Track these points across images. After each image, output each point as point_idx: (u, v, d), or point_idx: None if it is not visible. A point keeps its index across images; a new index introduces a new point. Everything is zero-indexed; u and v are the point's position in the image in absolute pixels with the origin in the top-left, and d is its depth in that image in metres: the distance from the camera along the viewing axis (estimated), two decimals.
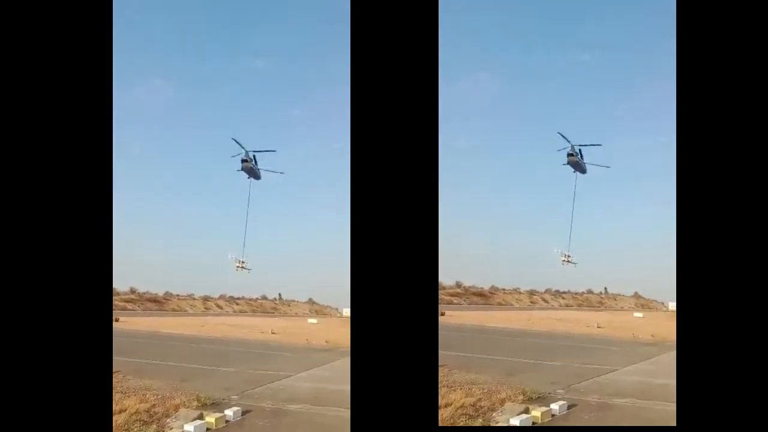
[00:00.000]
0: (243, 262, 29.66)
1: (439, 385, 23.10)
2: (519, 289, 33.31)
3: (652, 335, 29.47)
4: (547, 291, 33.43)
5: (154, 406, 23.34)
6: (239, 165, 29.72)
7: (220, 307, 33.27)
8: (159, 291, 32.67)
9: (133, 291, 32.29)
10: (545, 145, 29.89)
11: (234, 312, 32.97)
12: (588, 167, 29.53)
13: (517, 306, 33.14)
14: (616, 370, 25.76)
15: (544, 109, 30.67)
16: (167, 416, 22.82)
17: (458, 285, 31.87)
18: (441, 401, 22.81)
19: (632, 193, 30.14)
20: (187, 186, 31.59)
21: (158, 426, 22.38)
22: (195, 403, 23.37)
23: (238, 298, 33.13)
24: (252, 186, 30.27)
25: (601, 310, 32.84)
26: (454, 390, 23.77)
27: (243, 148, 29.32)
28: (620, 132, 30.57)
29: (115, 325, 27.09)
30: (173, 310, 32.94)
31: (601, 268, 30.34)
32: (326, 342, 29.15)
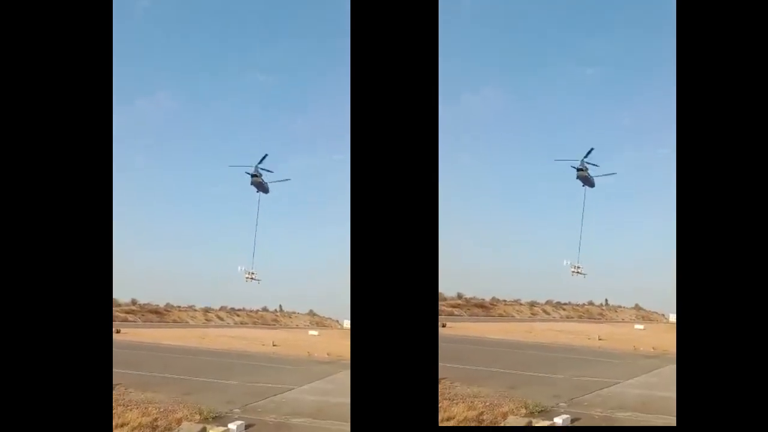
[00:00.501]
0: (252, 273, 29.99)
1: (441, 398, 23.11)
2: (520, 300, 33.31)
3: (654, 347, 29.47)
4: (548, 302, 33.42)
5: (156, 419, 23.28)
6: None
7: (221, 319, 33.24)
8: (160, 302, 32.67)
9: (134, 302, 32.26)
10: (547, 159, 30.01)
11: (235, 323, 32.95)
12: (596, 179, 29.88)
13: (518, 317, 33.11)
14: (619, 382, 25.72)
15: (547, 124, 30.82)
16: (170, 430, 22.76)
17: (459, 296, 31.88)
18: (443, 414, 22.79)
19: (633, 205, 30.23)
20: (188, 198, 31.67)
21: None
22: (197, 417, 23.31)
23: (239, 310, 33.11)
24: (253, 197, 30.48)
25: (601, 322, 32.82)
26: (456, 403, 23.73)
27: (252, 166, 29.84)
28: (622, 145, 30.77)
29: (116, 336, 27.21)
30: (174, 321, 32.91)
31: (602, 279, 30.38)
32: (328, 354, 29.10)
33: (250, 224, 30.13)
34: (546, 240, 30.78)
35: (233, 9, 31.19)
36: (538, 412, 23.24)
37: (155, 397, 24.60)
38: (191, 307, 33.32)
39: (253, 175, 29.75)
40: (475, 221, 29.57)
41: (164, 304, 32.72)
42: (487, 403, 23.87)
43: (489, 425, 22.77)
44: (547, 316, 33.30)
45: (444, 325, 28.58)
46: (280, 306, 32.62)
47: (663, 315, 31.88)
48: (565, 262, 29.45)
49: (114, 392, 22.26)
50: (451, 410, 23.27)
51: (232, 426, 22.22)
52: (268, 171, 29.82)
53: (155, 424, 23.05)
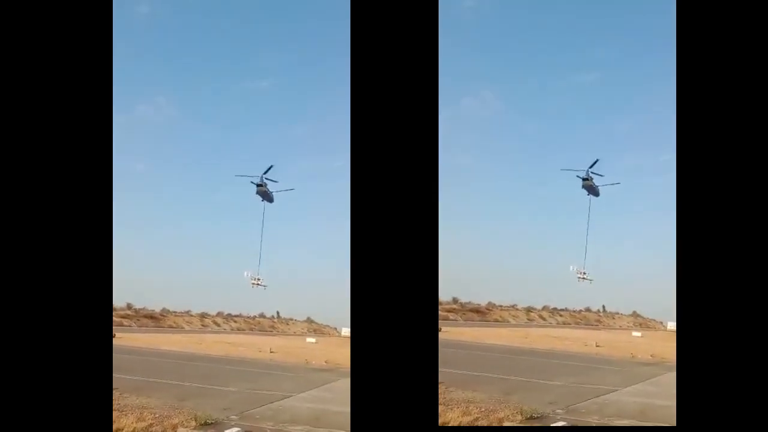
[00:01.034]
0: (258, 279, 30.38)
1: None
2: (516, 305, 33.27)
3: (652, 355, 29.47)
4: (545, 308, 33.40)
5: (151, 425, 23.20)
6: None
7: (218, 325, 33.16)
8: (156, 307, 32.59)
9: (129, 306, 32.17)
10: (545, 165, 30.12)
11: (232, 329, 32.89)
12: (601, 188, 30.38)
13: (514, 323, 33.07)
14: (616, 390, 25.70)
15: (544, 128, 30.89)
16: None
17: (455, 300, 31.86)
18: (438, 419, 22.74)
19: (632, 212, 30.35)
20: (187, 203, 31.71)
21: None
22: (193, 423, 23.22)
23: (236, 316, 33.07)
24: (253, 203, 30.73)
25: (599, 329, 32.83)
26: (452, 408, 23.69)
27: (258, 176, 30.27)
28: (621, 151, 30.88)
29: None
30: (170, 326, 32.84)
31: (600, 286, 30.47)
32: (325, 362, 29.05)
33: (248, 230, 30.44)
34: (544, 245, 30.85)
35: (233, 15, 31.22)
36: (535, 419, 23.23)
37: (150, 403, 24.50)
38: (187, 312, 33.28)
39: (258, 185, 30.24)
40: (471, 225, 29.59)
41: (160, 309, 32.67)
42: (483, 409, 23.85)
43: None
44: (543, 322, 33.28)
45: (439, 330, 28.53)
46: (278, 312, 32.60)
47: (661, 322, 31.88)
48: (571, 268, 29.80)
49: None
50: (446, 415, 23.23)
51: None
52: (273, 181, 30.27)
53: (151, 429, 22.98)
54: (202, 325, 33.19)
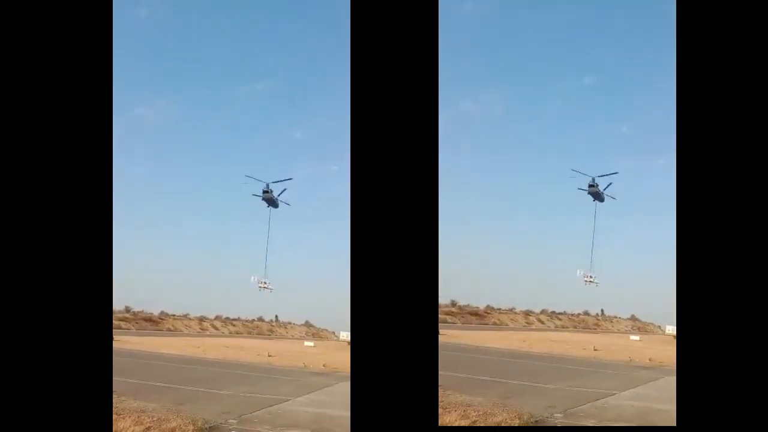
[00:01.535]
0: (265, 283, 31.03)
1: None
2: (515, 309, 33.32)
3: (650, 359, 29.46)
4: (543, 312, 33.44)
5: (149, 428, 23.17)
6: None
7: (216, 328, 33.24)
8: (154, 310, 32.64)
9: (128, 310, 32.20)
10: (543, 167, 30.22)
11: (230, 333, 32.98)
12: (604, 196, 31.29)
13: (513, 326, 33.11)
14: (614, 394, 25.66)
15: (544, 131, 30.98)
16: None
17: (453, 304, 31.90)
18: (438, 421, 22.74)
19: (630, 216, 30.48)
20: (185, 205, 31.79)
21: None
22: (191, 427, 23.18)
23: (235, 320, 33.15)
24: (250, 208, 31.40)
25: (597, 332, 32.87)
26: (449, 412, 23.67)
27: (265, 182, 31.21)
28: (620, 154, 31.04)
29: None
30: (168, 330, 32.87)
31: (598, 289, 30.59)
32: (323, 366, 29.08)
33: (247, 233, 30.75)
34: (542, 248, 30.91)
35: (232, 18, 31.29)
36: (533, 423, 23.22)
37: (148, 406, 24.48)
38: (186, 316, 33.34)
39: (264, 192, 31.17)
40: (469, 228, 29.61)
41: (159, 312, 32.71)
42: (481, 412, 23.83)
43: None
44: (542, 325, 33.32)
45: None
46: (276, 316, 32.71)
47: (659, 326, 31.93)
48: (578, 273, 30.26)
49: None
50: (444, 418, 23.20)
51: None
52: (284, 182, 30.93)
53: None
54: (201, 329, 33.26)
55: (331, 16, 28.21)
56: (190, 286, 30.52)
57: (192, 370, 29.45)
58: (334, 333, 31.63)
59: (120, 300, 30.93)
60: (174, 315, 33.04)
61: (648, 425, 22.50)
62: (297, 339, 32.25)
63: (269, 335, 32.47)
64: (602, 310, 33.26)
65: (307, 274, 29.35)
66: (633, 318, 33.07)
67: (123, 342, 30.35)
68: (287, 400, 25.64)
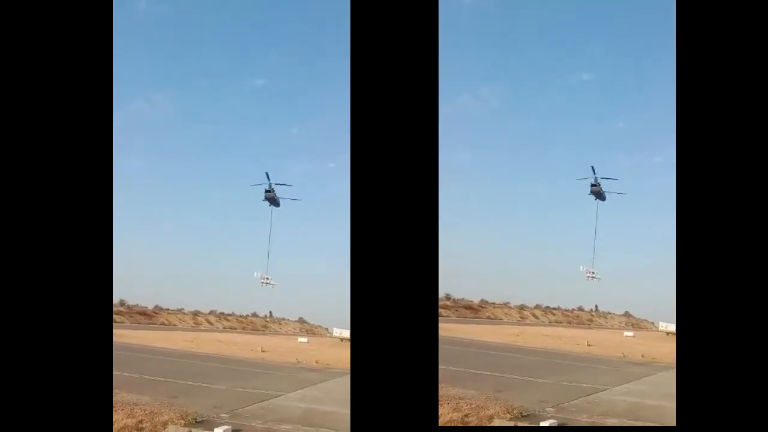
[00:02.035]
0: (267, 279, 31.35)
1: None
2: (509, 303, 33.32)
3: (643, 355, 29.43)
4: (538, 306, 33.43)
5: (141, 421, 23.23)
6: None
7: (210, 323, 33.27)
8: (148, 304, 32.63)
9: (122, 303, 32.18)
10: (541, 163, 30.28)
11: (224, 328, 33.02)
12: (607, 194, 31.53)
13: (507, 321, 33.12)
14: (607, 389, 25.69)
15: (541, 126, 31.01)
16: None
17: (448, 297, 31.88)
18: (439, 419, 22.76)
19: (625, 213, 30.55)
20: (182, 201, 31.84)
21: None
22: (183, 421, 23.23)
23: (229, 315, 33.18)
24: (245, 205, 31.91)
25: (591, 328, 32.91)
26: (442, 404, 23.68)
27: (269, 180, 31.62)
28: (618, 150, 31.11)
29: None
30: (162, 324, 32.90)
31: (593, 286, 30.64)
32: (316, 362, 29.11)
33: (246, 229, 30.99)
34: (538, 243, 30.94)
35: (231, 13, 31.25)
36: (524, 417, 23.25)
37: (141, 399, 24.53)
38: (180, 310, 33.38)
39: (266, 191, 31.63)
40: (464, 222, 29.63)
41: (153, 306, 32.72)
42: (473, 405, 23.88)
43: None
44: (536, 320, 33.32)
45: None
46: (270, 312, 32.73)
47: (652, 323, 31.91)
48: (581, 268, 30.40)
49: None
50: None
51: (218, 430, 22.15)
52: (287, 185, 31.33)
53: (140, 426, 23.01)
54: (195, 323, 33.29)
55: (331, 12, 28.16)
56: (185, 280, 30.57)
57: (185, 364, 29.47)
58: (327, 330, 31.72)
59: (115, 294, 30.85)
60: (168, 309, 33.08)
61: (641, 421, 22.52)
62: (291, 335, 32.31)
63: (263, 331, 32.48)
64: (596, 306, 33.30)
65: (301, 271, 29.43)
66: (627, 314, 33.07)
67: (117, 335, 30.15)
68: (280, 395, 25.72)
